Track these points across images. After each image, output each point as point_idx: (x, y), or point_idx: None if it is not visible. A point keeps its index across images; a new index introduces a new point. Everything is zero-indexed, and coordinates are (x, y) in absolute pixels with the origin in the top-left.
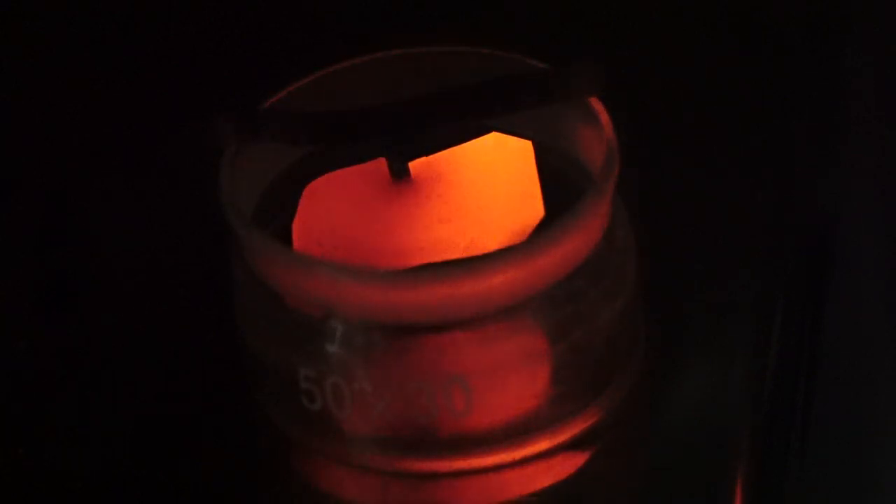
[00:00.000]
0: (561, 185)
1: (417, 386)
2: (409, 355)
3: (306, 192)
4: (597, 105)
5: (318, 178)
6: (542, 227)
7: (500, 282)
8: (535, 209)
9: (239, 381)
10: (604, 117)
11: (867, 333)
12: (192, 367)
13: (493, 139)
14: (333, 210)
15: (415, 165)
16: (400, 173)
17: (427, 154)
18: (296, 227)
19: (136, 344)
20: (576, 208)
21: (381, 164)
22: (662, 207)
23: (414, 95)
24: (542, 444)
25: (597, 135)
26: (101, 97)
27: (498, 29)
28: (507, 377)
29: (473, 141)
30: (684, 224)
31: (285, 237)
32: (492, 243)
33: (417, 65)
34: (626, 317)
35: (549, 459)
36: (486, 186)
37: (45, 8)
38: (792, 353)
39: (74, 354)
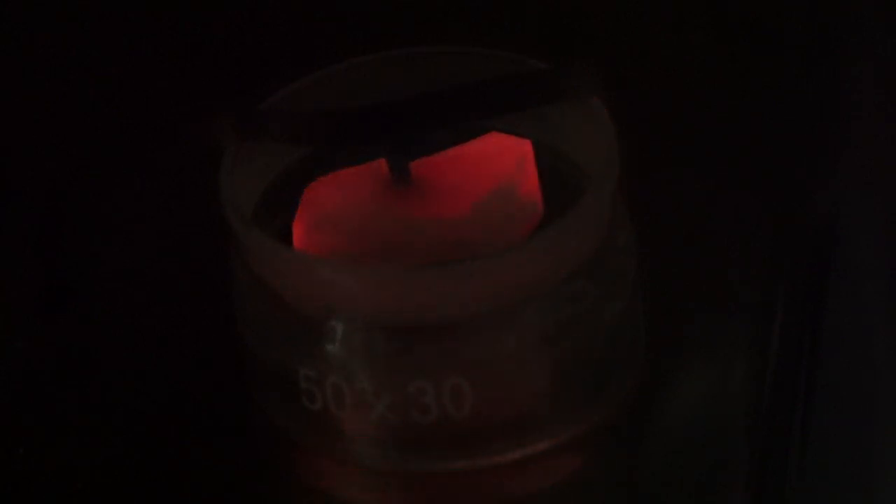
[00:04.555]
0: (561, 185)
1: (417, 386)
2: (409, 355)
3: (306, 192)
4: (597, 105)
5: (318, 178)
6: (542, 227)
7: (500, 282)
8: (535, 209)
9: (239, 381)
10: (604, 117)
11: (867, 333)
12: (192, 367)
13: (493, 139)
14: (333, 210)
15: (415, 165)
16: (400, 173)
17: (427, 154)
18: (296, 227)
19: (136, 344)
20: (576, 208)
21: (381, 164)
22: (662, 207)
23: (414, 95)
24: (542, 445)
25: (597, 135)
26: (100, 97)
27: (498, 29)
28: (507, 377)
29: (473, 141)
30: (684, 224)
31: (285, 237)
32: (492, 243)
33: (417, 65)
34: (626, 317)
35: (549, 459)
36: (487, 186)
37: (45, 8)
38: (792, 353)
39: (74, 354)
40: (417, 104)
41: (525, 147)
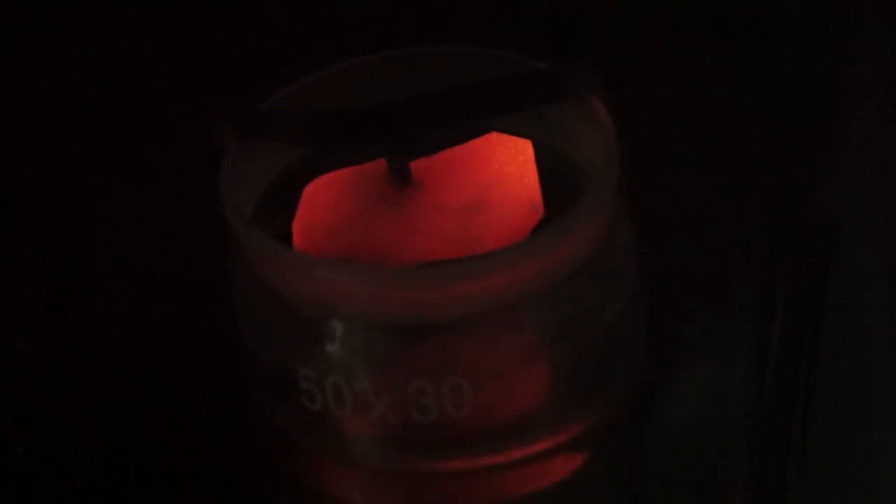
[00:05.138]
0: (561, 185)
1: (417, 386)
2: (409, 355)
3: (306, 192)
4: (597, 105)
5: (318, 178)
6: (542, 227)
7: (500, 282)
8: (535, 209)
9: (239, 381)
10: (604, 117)
11: (867, 333)
12: (192, 367)
13: (493, 139)
14: (333, 210)
15: (415, 165)
16: (400, 173)
17: (427, 154)
18: (296, 227)
19: (136, 344)
20: (576, 208)
21: (381, 164)
22: (662, 207)
23: (414, 95)
24: (542, 445)
25: (597, 135)
26: (100, 97)
27: (498, 29)
28: (507, 377)
29: (473, 141)
30: (684, 224)
31: (285, 237)
32: (492, 243)
33: (417, 65)
34: (626, 317)
35: (548, 459)
36: (486, 186)
37: (45, 8)
38: (792, 353)
39: (74, 354)
40: (417, 104)
41: (525, 147)
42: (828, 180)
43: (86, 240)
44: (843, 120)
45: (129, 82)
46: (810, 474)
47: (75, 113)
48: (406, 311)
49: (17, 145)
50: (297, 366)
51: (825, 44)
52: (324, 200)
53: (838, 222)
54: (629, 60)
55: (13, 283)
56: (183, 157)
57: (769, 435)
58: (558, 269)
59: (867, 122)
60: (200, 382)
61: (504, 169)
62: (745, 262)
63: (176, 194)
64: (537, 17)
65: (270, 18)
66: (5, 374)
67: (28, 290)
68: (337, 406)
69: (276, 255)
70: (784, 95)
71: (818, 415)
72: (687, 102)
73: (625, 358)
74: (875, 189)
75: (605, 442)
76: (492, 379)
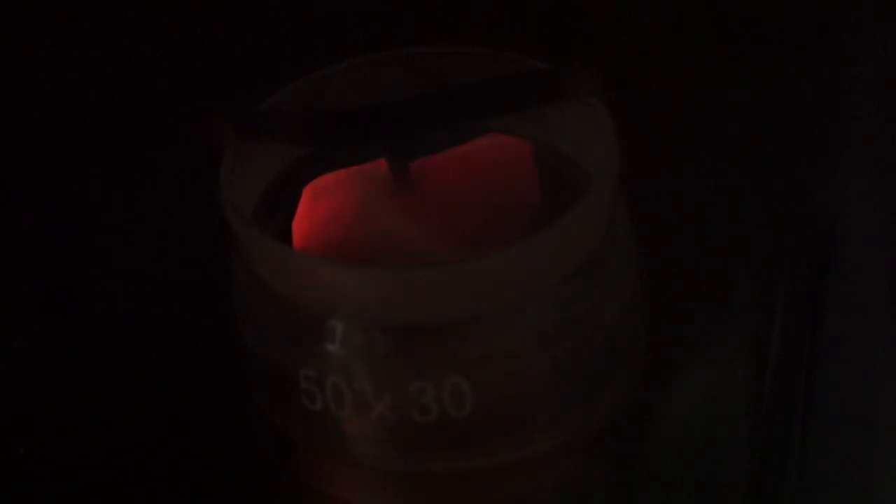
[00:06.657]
0: (561, 185)
1: (417, 386)
2: (409, 355)
3: (306, 191)
4: (597, 105)
5: (318, 178)
6: (542, 227)
7: (500, 281)
8: (535, 209)
9: (239, 381)
10: (604, 117)
11: (867, 333)
12: (192, 367)
13: (493, 139)
14: (333, 210)
15: (415, 165)
16: (400, 173)
17: (427, 154)
18: (296, 227)
19: (136, 344)
20: (576, 208)
21: (381, 164)
22: (662, 207)
23: (414, 95)
24: (542, 445)
25: (597, 135)
26: (100, 97)
27: (498, 29)
28: (507, 377)
29: (473, 141)
30: (684, 224)
31: (285, 237)
32: (492, 243)
33: (417, 65)
34: (626, 317)
35: (549, 459)
36: (486, 186)
37: (45, 8)
38: (792, 353)
39: (74, 354)
40: (417, 104)
41: (525, 147)
42: (828, 180)
43: (86, 240)
44: (843, 120)
45: (129, 82)
46: (810, 474)
47: (75, 113)
48: (406, 311)
49: (17, 145)
50: (297, 366)
51: (825, 44)
52: (324, 200)
53: (838, 222)
54: (629, 60)
55: (13, 283)
56: (183, 157)
57: (769, 435)
58: (558, 269)
59: (867, 122)
60: (200, 382)
61: (504, 169)
62: (745, 262)
63: (176, 194)
64: (537, 17)
65: (270, 18)
66: (5, 374)
67: (28, 290)
68: (337, 406)
69: (276, 255)
70: (784, 95)
71: (818, 415)
72: (687, 102)
73: (625, 358)
74: (875, 189)
75: (605, 442)
76: (492, 379)
